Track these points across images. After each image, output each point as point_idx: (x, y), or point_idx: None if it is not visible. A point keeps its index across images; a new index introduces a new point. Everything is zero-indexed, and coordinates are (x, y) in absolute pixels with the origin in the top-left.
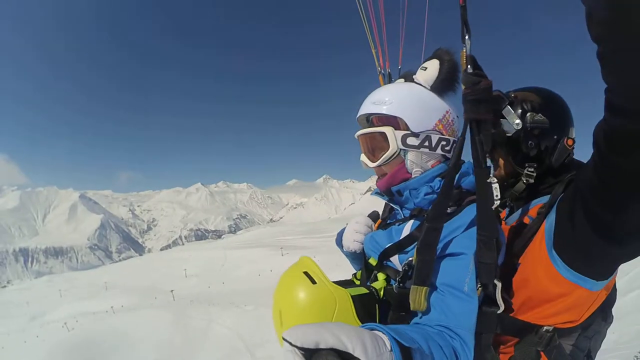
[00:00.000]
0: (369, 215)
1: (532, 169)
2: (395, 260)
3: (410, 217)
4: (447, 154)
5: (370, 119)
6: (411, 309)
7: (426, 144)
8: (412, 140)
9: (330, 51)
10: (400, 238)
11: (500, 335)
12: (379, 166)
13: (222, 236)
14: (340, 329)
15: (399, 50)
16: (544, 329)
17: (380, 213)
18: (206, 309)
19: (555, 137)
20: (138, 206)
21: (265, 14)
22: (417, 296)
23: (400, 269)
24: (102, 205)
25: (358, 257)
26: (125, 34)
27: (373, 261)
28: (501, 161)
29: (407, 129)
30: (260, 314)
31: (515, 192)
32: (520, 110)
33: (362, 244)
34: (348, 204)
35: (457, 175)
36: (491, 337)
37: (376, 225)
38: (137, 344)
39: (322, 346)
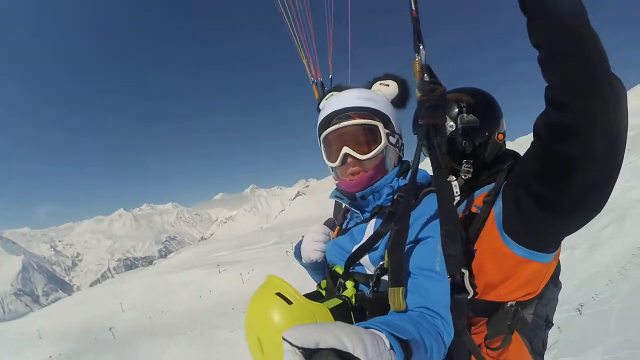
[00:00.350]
0: (325, 223)
1: (469, 165)
2: (365, 261)
3: (372, 217)
4: (402, 157)
5: (348, 115)
6: (392, 310)
7: (398, 144)
8: (392, 139)
9: (249, 63)
10: (364, 238)
11: (471, 318)
12: (368, 159)
13: (153, 262)
14: (340, 328)
15: (326, 60)
16: (508, 305)
17: (334, 218)
18: (152, 341)
19: (486, 133)
20: (59, 241)
21: (173, 24)
22: (395, 298)
23: (373, 272)
24: (21, 244)
25: (319, 268)
26: (33, 48)
27: (339, 269)
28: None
29: (388, 128)
30: (208, 337)
31: (491, 177)
32: (452, 112)
33: (323, 252)
34: (278, 211)
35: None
36: (465, 322)
37: (335, 233)
38: None
39: (322, 346)
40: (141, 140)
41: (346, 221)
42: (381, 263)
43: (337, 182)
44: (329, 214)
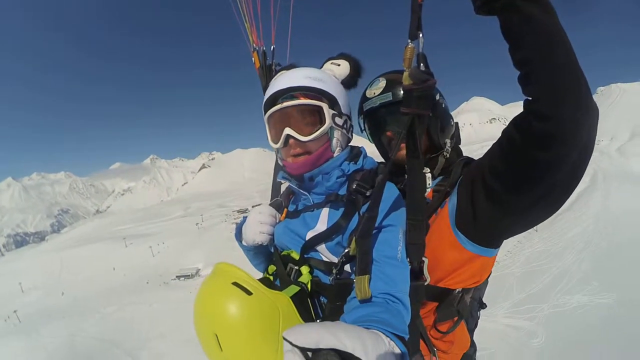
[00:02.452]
0: (271, 204)
1: (450, 143)
2: (321, 248)
3: (327, 202)
4: (350, 138)
5: (293, 95)
6: (358, 299)
7: (345, 126)
8: (338, 120)
9: (156, 22)
10: (318, 226)
11: (422, 303)
12: (310, 141)
13: (46, 238)
14: (340, 328)
15: (266, 30)
16: (456, 291)
17: (271, 200)
18: (62, 323)
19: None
20: None
21: None
22: (362, 286)
23: (337, 260)
24: None
25: (261, 252)
26: None
27: (295, 255)
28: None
29: (334, 109)
30: (125, 314)
31: (437, 170)
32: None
33: (270, 235)
34: (180, 184)
35: (361, 159)
36: (419, 306)
37: (283, 214)
38: None
39: (322, 346)
40: (29, 103)
41: (292, 203)
42: (346, 250)
43: (282, 163)
44: (236, 188)
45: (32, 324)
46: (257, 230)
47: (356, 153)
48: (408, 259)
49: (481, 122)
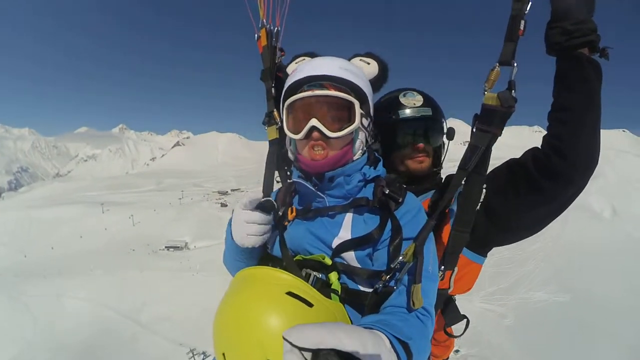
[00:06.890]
0: (262, 204)
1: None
2: (349, 257)
3: (350, 207)
4: (370, 142)
5: (322, 84)
6: (415, 307)
7: (369, 128)
8: (364, 121)
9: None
10: (341, 232)
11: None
12: (336, 138)
13: (2, 195)
14: (341, 328)
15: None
16: (454, 297)
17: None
18: (43, 282)
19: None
20: None
21: None
22: (418, 294)
23: (384, 270)
24: None
25: (255, 252)
26: None
27: (328, 260)
28: (429, 156)
29: (363, 108)
30: (116, 278)
31: (436, 185)
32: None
33: (261, 237)
34: (147, 158)
35: (380, 166)
36: (435, 313)
37: (292, 214)
38: None
39: (322, 346)
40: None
41: (299, 201)
42: (401, 259)
43: (292, 157)
44: (210, 170)
45: (9, 281)
46: (244, 232)
47: (375, 159)
48: (443, 267)
49: (455, 144)
